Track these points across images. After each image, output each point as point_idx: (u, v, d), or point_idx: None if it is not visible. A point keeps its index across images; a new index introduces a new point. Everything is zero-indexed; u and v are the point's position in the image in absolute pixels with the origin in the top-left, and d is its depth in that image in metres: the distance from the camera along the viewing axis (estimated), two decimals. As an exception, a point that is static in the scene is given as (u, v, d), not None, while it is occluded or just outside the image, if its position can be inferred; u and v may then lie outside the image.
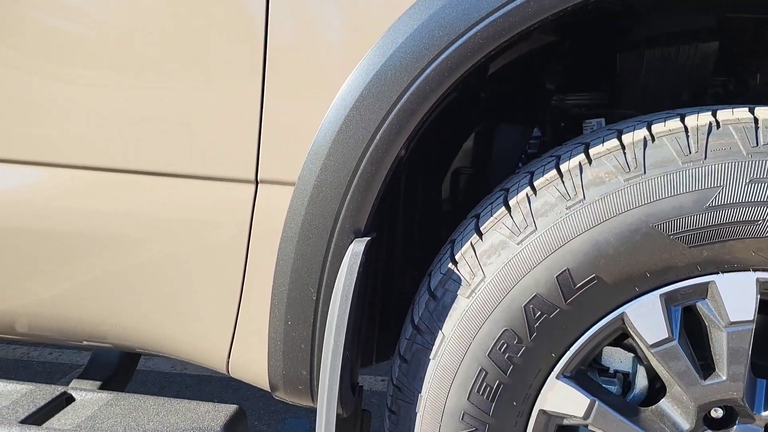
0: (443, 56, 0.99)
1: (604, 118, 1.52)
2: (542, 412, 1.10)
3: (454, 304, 1.09)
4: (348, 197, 1.05)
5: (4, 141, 1.12)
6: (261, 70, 1.04)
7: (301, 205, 1.06)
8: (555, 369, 1.08)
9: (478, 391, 1.08)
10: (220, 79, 1.07)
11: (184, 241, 1.12)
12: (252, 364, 1.19)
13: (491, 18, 0.96)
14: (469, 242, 1.11)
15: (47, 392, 1.31)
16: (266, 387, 1.21)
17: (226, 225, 1.12)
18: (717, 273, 1.02)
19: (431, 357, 1.11)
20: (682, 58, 1.49)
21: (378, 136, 1.02)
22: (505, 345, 1.07)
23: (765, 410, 1.06)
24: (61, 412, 1.28)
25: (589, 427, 1.11)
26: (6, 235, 1.16)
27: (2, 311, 1.21)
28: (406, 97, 1.00)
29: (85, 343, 1.28)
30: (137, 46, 1.08)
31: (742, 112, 1.03)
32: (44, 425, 1.23)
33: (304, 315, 1.11)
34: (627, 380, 1.16)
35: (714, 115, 1.04)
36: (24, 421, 1.20)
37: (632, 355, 1.12)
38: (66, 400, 1.32)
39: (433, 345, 1.11)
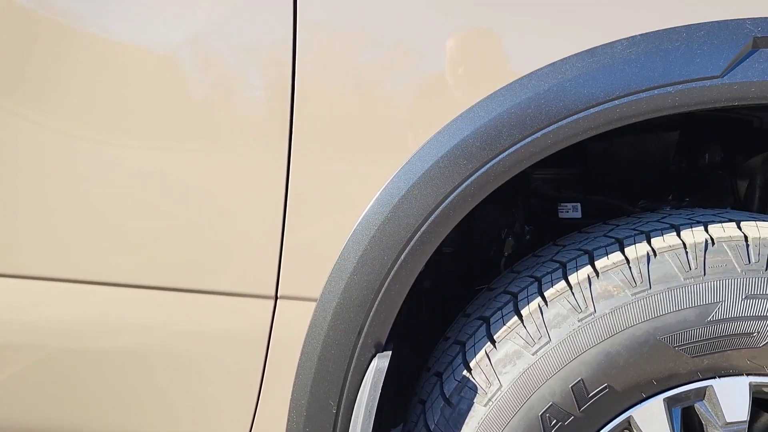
0: (465, 184, 1.03)
1: (579, 204, 1.60)
2: None
3: (471, 412, 1.13)
4: (371, 314, 1.07)
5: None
6: (284, 188, 1.05)
7: (324, 321, 1.07)
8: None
9: (494, 500, 1.12)
10: (241, 197, 1.07)
11: (200, 355, 1.11)
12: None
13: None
14: (483, 350, 1.15)
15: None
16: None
17: (242, 339, 1.11)
18: (714, 378, 1.10)
19: (448, 464, 1.14)
20: (649, 144, 1.60)
21: (402, 257, 1.04)
22: (523, 453, 1.11)
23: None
24: None
25: None
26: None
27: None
28: (431, 219, 1.04)
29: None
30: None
31: (732, 229, 1.12)
32: None
33: (323, 427, 1.12)
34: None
35: (707, 230, 1.12)
36: None
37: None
38: None
39: (449, 452, 1.14)
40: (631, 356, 1.07)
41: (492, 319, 1.18)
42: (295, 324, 1.09)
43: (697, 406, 1.13)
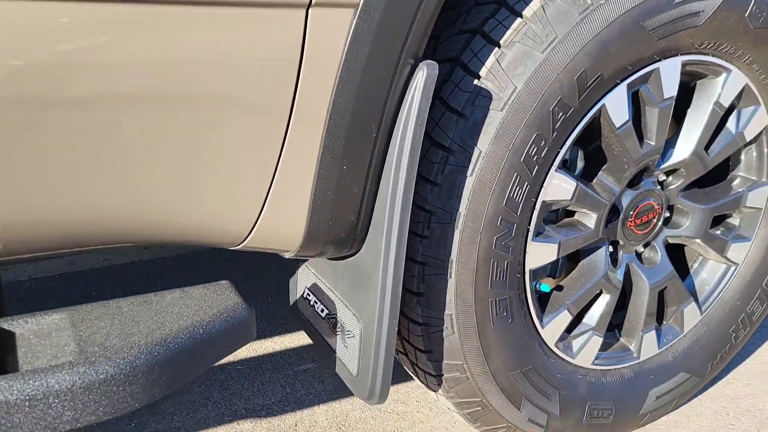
0: None
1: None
2: (543, 203, 1.25)
3: (488, 119, 1.13)
4: (416, 19, 0.96)
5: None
6: None
7: (369, 30, 0.93)
8: (554, 163, 1.23)
9: (512, 196, 1.17)
10: None
11: (231, 81, 0.88)
12: (282, 227, 1.05)
13: None
14: (492, 57, 1.13)
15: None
16: (293, 247, 1.08)
17: (266, 61, 0.91)
18: (660, 60, 1.26)
19: (468, 174, 1.14)
20: None
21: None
22: (535, 148, 1.16)
23: (661, 166, 1.40)
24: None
25: (572, 207, 1.32)
26: None
27: None
28: None
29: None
30: None
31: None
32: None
33: (363, 154, 1.01)
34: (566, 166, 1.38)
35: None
36: None
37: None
38: None
39: (468, 163, 1.14)
40: (620, 43, 1.17)
41: (486, 28, 1.15)
42: (333, 37, 0.92)
43: (642, 90, 1.29)
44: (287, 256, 1.13)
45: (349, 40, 0.93)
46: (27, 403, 0.84)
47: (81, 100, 0.82)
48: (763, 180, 1.54)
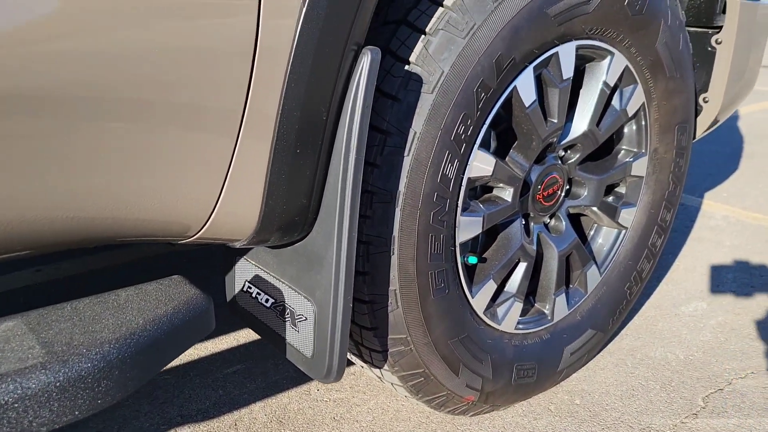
0: None
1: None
2: (468, 179, 1.35)
3: (420, 102, 1.21)
4: (359, 8, 1.02)
5: None
6: None
7: (317, 25, 0.98)
8: (476, 142, 1.33)
9: (445, 173, 1.26)
10: None
11: (185, 71, 0.90)
12: (238, 215, 1.06)
13: None
14: (420, 44, 1.21)
15: None
16: (247, 234, 1.11)
17: (222, 52, 0.93)
18: (558, 45, 1.41)
19: (405, 155, 1.21)
20: None
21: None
22: (462, 127, 1.26)
23: (561, 142, 1.56)
24: None
25: (491, 183, 1.43)
26: None
27: None
28: None
29: None
30: None
31: None
32: None
33: (314, 139, 1.06)
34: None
35: None
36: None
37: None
38: None
39: (405, 143, 1.21)
40: (529, 28, 1.29)
41: (410, 18, 1.23)
42: (284, 24, 0.96)
43: (544, 72, 1.43)
44: (237, 245, 1.15)
45: (299, 27, 0.97)
46: (1, 409, 0.80)
47: (31, 93, 0.80)
48: (643, 151, 1.74)
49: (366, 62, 1.04)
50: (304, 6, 0.96)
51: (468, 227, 1.38)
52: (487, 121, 1.32)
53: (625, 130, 1.73)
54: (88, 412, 0.89)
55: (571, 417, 1.68)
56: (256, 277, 1.33)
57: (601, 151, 1.71)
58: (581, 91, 1.57)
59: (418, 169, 1.22)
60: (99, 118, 0.85)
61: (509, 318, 1.57)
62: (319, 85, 1.01)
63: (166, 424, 1.62)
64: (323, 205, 1.13)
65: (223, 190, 1.01)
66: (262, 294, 1.32)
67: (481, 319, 1.50)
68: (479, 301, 1.48)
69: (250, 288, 1.35)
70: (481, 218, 1.40)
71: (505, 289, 1.58)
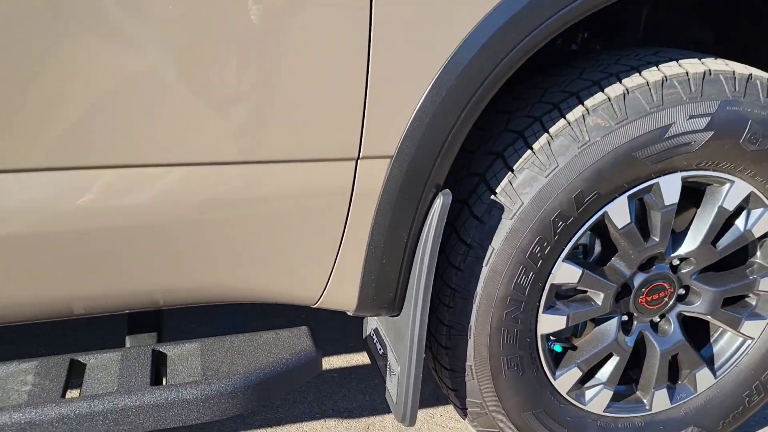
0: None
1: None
2: (552, 285, 1.58)
3: (500, 225, 1.49)
4: (437, 164, 1.35)
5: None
6: (366, 61, 1.24)
7: (401, 172, 1.33)
8: (561, 255, 1.56)
9: (519, 282, 1.53)
10: (325, 69, 1.24)
11: (299, 211, 1.33)
12: (341, 299, 1.49)
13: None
14: (506, 179, 1.48)
15: (57, 363, 1.40)
16: (350, 309, 1.52)
17: (329, 194, 1.34)
18: (660, 176, 1.55)
19: (484, 265, 1.51)
20: None
21: (462, 115, 1.32)
22: (539, 248, 1.51)
23: (671, 255, 1.67)
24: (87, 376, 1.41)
25: (578, 288, 1.64)
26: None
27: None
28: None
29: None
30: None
31: (676, 67, 1.51)
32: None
33: (397, 254, 1.42)
34: (585, 250, 1.70)
35: (659, 69, 1.50)
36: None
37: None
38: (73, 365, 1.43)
39: (484, 256, 1.51)
40: (614, 170, 1.47)
41: (505, 153, 1.51)
42: (373, 178, 1.34)
43: (645, 198, 1.58)
44: (350, 314, 1.57)
45: (385, 180, 1.34)
46: (169, 406, 1.35)
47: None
48: (776, 268, 1.75)
49: (438, 204, 1.37)
50: (390, 165, 1.33)
51: (550, 323, 1.62)
52: (572, 240, 1.55)
53: (758, 247, 1.76)
54: (220, 416, 1.40)
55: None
56: (376, 329, 1.75)
57: (735, 259, 1.77)
58: (697, 211, 1.67)
59: (493, 278, 1.52)
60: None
61: (597, 401, 1.76)
62: (400, 218, 1.38)
63: (320, 414, 2.14)
64: (407, 298, 1.50)
65: (329, 281, 1.45)
66: (378, 343, 1.74)
67: (563, 398, 1.73)
68: (562, 383, 1.71)
69: (372, 336, 1.78)
70: (565, 317, 1.63)
71: (596, 376, 1.77)
